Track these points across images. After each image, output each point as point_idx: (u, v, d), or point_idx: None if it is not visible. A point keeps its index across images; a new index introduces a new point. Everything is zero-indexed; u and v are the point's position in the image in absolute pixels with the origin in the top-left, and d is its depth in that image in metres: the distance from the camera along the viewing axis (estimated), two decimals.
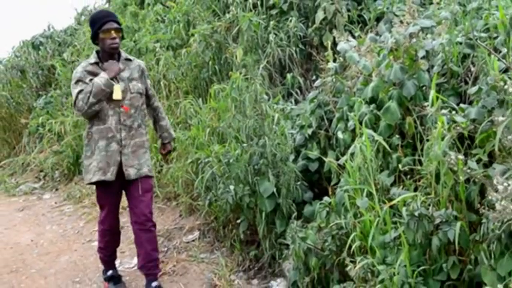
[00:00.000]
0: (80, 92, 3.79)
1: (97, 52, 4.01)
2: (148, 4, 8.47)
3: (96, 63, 3.94)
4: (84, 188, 7.38)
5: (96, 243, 5.34)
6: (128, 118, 3.91)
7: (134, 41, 7.85)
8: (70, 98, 9.03)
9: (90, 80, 3.81)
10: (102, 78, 3.77)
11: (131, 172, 3.91)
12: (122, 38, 4.05)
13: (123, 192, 4.09)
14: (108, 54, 3.93)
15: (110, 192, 3.98)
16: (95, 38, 3.97)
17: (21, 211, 7.18)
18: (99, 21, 3.87)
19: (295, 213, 3.73)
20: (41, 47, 11.16)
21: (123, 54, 4.07)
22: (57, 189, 8.13)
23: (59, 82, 9.85)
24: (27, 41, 11.61)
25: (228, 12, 6.27)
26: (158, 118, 4.37)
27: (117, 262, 4.36)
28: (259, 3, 6.12)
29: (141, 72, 4.09)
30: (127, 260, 4.75)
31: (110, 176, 3.86)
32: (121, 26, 4.00)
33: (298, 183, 3.87)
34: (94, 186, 4.11)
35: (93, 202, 6.75)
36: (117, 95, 3.82)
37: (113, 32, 3.85)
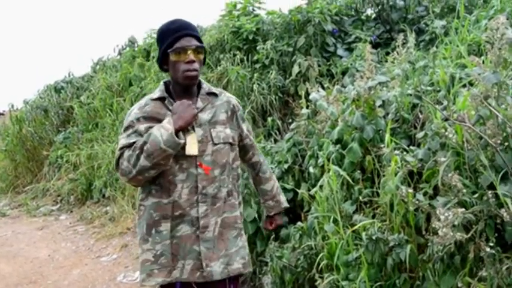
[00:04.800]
0: (127, 147, 2.12)
1: (166, 83, 2.28)
2: (153, 57, 8.52)
3: (161, 100, 2.20)
4: (94, 211, 7.31)
5: (104, 259, 5.29)
6: (209, 184, 2.16)
7: (141, 87, 7.87)
8: (85, 134, 9.00)
9: (148, 128, 2.11)
10: (163, 129, 2.04)
11: (216, 269, 2.17)
12: (204, 62, 2.25)
13: None
14: (182, 88, 2.20)
15: None
16: (162, 62, 2.21)
17: (41, 230, 7.06)
18: (169, 36, 2.14)
19: (273, 236, 3.71)
20: (62, 91, 11.12)
21: (205, 86, 2.30)
22: (71, 212, 8.02)
23: (76, 120, 9.83)
24: (51, 85, 11.57)
25: (220, 66, 6.34)
26: (260, 179, 2.53)
27: (121, 276, 4.27)
28: (245, 58, 6.20)
29: (230, 112, 2.30)
30: (130, 274, 4.67)
31: (178, 274, 2.15)
32: (203, 44, 2.20)
33: None
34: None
35: (102, 223, 6.68)
36: (192, 148, 2.11)
37: (190, 52, 2.12)
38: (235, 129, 2.31)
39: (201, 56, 2.19)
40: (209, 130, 2.19)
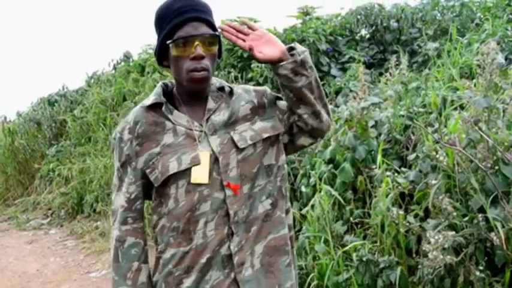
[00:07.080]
0: (122, 206, 1.49)
1: (163, 86, 1.56)
2: (148, 72, 8.54)
3: (158, 106, 1.48)
4: (84, 225, 7.25)
5: (93, 274, 5.24)
6: (240, 206, 1.43)
7: (135, 103, 7.88)
8: (78, 148, 8.98)
9: (147, 161, 1.45)
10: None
11: None
12: (220, 55, 1.51)
13: None
14: (189, 91, 1.49)
15: None
16: (161, 56, 1.50)
17: (30, 244, 6.98)
18: (169, 21, 1.43)
19: None
20: (55, 104, 11.08)
21: (215, 81, 1.55)
22: (62, 226, 7.94)
23: (69, 134, 9.80)
24: (44, 98, 11.51)
25: None
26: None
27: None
28: (239, 76, 6.22)
29: (258, 99, 1.54)
30: None
31: None
32: (217, 32, 1.46)
33: None
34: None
35: (92, 238, 6.62)
36: (199, 175, 1.41)
37: (197, 44, 1.40)
38: (272, 117, 1.54)
39: (214, 49, 1.46)
40: (227, 135, 1.46)
